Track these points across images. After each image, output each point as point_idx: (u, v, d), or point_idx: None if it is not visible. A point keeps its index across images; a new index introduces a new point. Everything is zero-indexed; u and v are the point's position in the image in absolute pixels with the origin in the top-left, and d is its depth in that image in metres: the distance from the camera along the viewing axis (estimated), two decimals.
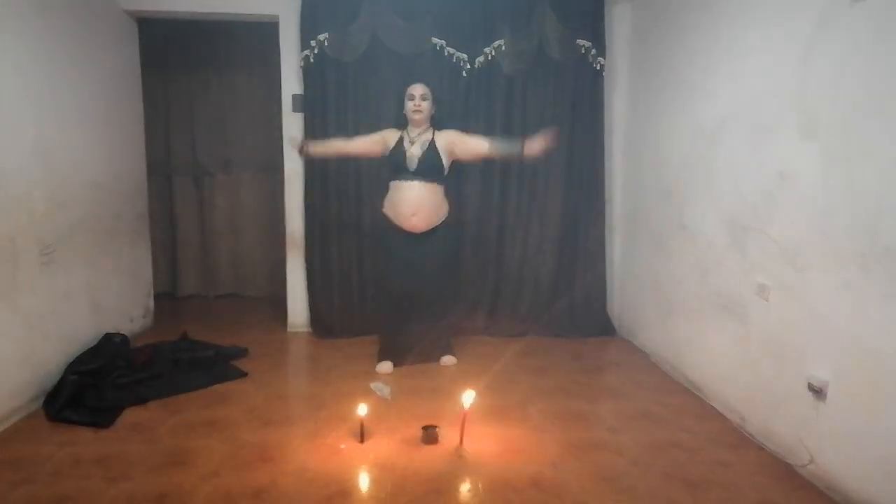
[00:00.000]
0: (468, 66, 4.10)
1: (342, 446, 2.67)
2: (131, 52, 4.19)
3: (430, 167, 3.46)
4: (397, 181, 3.50)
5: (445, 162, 3.51)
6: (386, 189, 3.61)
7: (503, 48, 4.09)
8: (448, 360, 3.75)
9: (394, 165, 3.52)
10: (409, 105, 3.52)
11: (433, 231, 3.54)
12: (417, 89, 3.53)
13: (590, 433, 2.84)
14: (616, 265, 4.52)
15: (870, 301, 2.16)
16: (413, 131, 3.55)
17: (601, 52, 4.16)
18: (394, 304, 3.70)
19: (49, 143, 3.18)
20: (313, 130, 4.14)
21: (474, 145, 3.55)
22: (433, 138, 3.51)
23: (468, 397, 2.76)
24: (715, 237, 3.17)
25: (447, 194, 3.59)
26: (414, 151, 3.47)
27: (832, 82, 2.36)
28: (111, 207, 3.84)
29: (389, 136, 3.57)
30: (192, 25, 4.70)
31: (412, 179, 3.46)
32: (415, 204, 3.45)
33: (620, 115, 4.41)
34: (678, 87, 3.61)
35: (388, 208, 3.57)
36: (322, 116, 4.13)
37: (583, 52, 4.13)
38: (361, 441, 2.69)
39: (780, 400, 2.62)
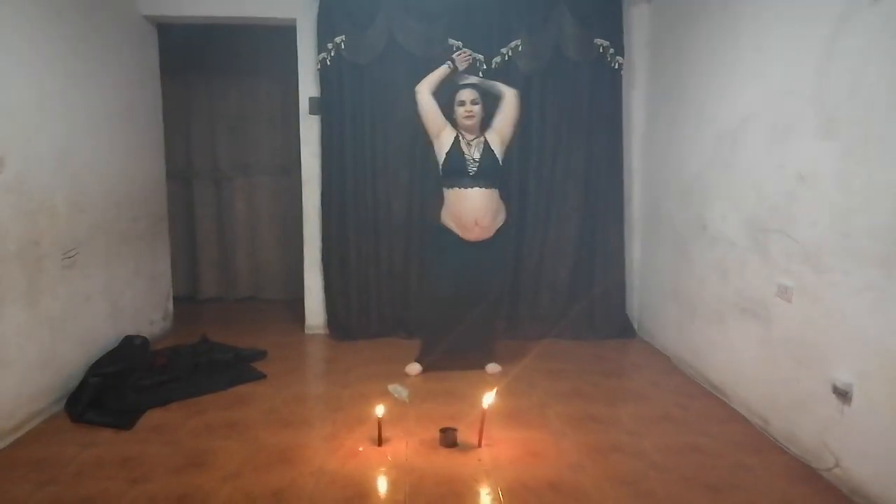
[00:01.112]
0: (485, 67, 4.08)
1: (360, 448, 2.67)
2: (151, 58, 4.23)
3: (490, 171, 3.38)
4: (457, 189, 3.39)
5: (501, 161, 3.47)
6: (431, 196, 3.65)
7: (520, 48, 4.07)
8: (493, 367, 3.65)
9: (453, 171, 3.40)
10: (461, 111, 3.43)
11: (490, 238, 3.46)
12: (467, 94, 3.44)
13: (609, 436, 2.82)
14: (635, 266, 4.48)
15: (892, 302, 2.13)
16: (468, 136, 3.47)
17: (619, 51, 4.12)
18: (438, 308, 3.57)
19: (71, 148, 3.22)
20: (330, 132, 4.16)
21: (503, 114, 3.49)
22: (486, 140, 3.45)
23: (488, 397, 2.75)
24: (736, 238, 3.13)
25: (503, 198, 3.54)
26: (473, 155, 3.39)
27: (852, 82, 2.32)
28: (131, 211, 3.88)
29: (446, 133, 3.47)
30: (211, 30, 4.74)
31: (472, 186, 3.36)
32: (477, 212, 3.36)
33: (639, 115, 4.38)
34: (697, 87, 3.58)
35: (447, 218, 3.46)
36: (339, 118, 4.15)
37: (600, 51, 4.10)
38: (379, 444, 2.69)
39: (803, 403, 2.59)
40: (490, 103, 3.55)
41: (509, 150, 3.65)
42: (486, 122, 3.54)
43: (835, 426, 2.39)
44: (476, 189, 3.37)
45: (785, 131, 2.73)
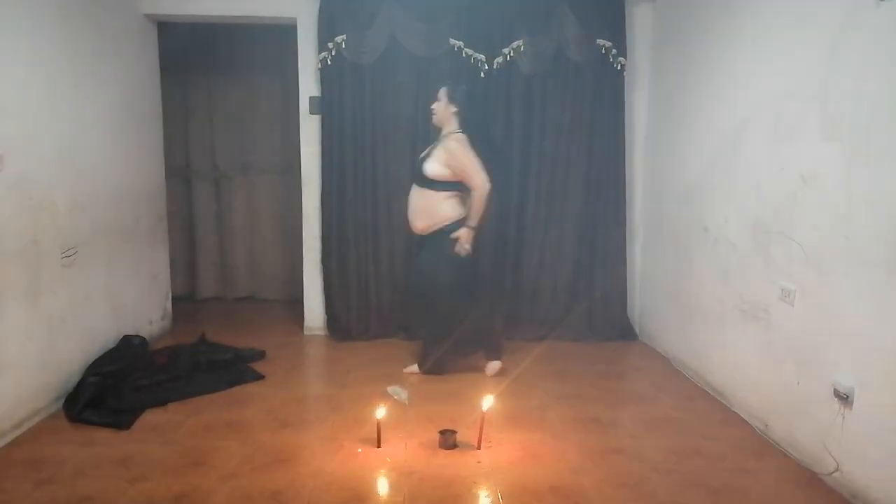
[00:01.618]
0: (486, 68, 4.08)
1: (359, 450, 2.66)
2: (151, 56, 4.22)
3: (417, 172, 3.44)
4: None
5: (434, 170, 3.31)
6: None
7: (522, 49, 4.06)
8: (492, 368, 3.60)
9: None
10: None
11: (431, 235, 3.42)
12: (439, 93, 3.48)
13: (610, 439, 2.81)
14: (636, 268, 4.47)
15: (894, 306, 2.12)
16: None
17: (622, 52, 4.11)
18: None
19: (71, 147, 3.21)
20: (330, 132, 4.16)
21: (472, 174, 3.28)
22: (440, 143, 3.42)
23: (486, 402, 2.74)
24: (737, 240, 3.12)
25: (449, 200, 3.36)
26: (421, 154, 3.48)
27: (855, 83, 2.32)
28: (131, 210, 3.87)
29: None
30: (211, 29, 4.73)
31: (412, 183, 3.48)
32: (410, 207, 3.48)
33: (641, 117, 4.37)
34: (699, 89, 3.57)
35: None
36: (339, 118, 4.14)
37: (603, 52, 4.09)
38: (378, 445, 2.68)
39: (804, 406, 2.58)
40: (465, 104, 3.47)
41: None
42: (462, 120, 3.44)
43: (836, 430, 2.38)
44: (413, 186, 3.47)
45: (787, 133, 2.72)
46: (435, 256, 3.44)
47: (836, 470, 2.37)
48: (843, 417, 2.35)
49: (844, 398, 2.33)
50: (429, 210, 3.40)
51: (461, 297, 3.50)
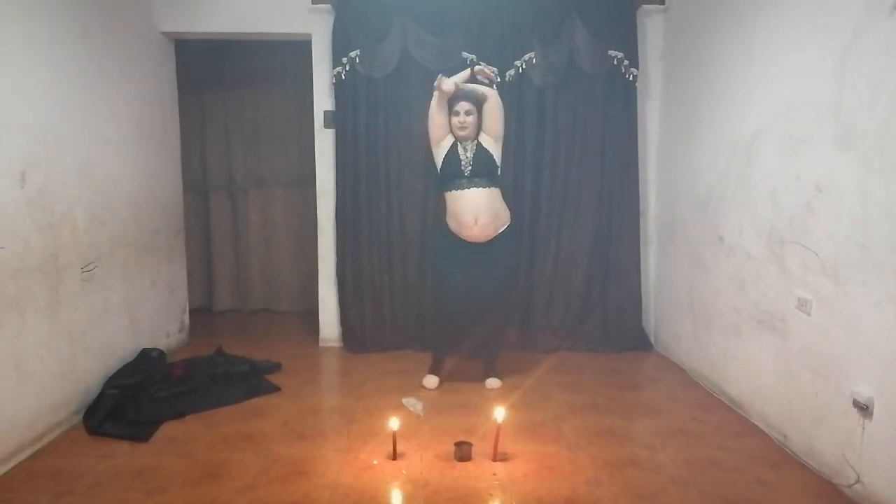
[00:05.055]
0: (499, 80, 4.09)
1: (374, 462, 2.67)
2: (168, 73, 4.29)
3: (484, 169, 3.39)
4: (454, 191, 3.41)
5: (497, 159, 3.45)
6: (432, 201, 3.59)
7: (534, 61, 4.08)
8: (493, 382, 3.62)
9: (451, 173, 3.42)
10: (455, 121, 3.43)
11: (492, 242, 3.43)
12: (463, 105, 3.42)
13: (625, 451, 2.80)
14: (651, 278, 4.46)
15: None
16: (464, 142, 3.47)
17: (634, 62, 4.12)
18: (445, 312, 3.54)
19: (90, 162, 3.27)
20: (344, 145, 4.20)
21: (489, 116, 3.42)
22: (479, 142, 3.45)
23: (500, 413, 2.74)
24: (752, 250, 3.10)
25: (506, 200, 3.50)
26: (468, 156, 3.41)
27: (869, 92, 2.31)
28: (149, 224, 3.92)
29: (447, 140, 3.47)
30: (227, 45, 4.80)
31: (469, 186, 3.38)
32: (476, 211, 3.36)
33: (654, 126, 4.37)
34: (712, 98, 3.57)
35: (450, 220, 3.46)
36: (353, 132, 4.18)
37: (615, 63, 4.10)
38: (394, 457, 2.68)
39: (823, 417, 2.55)
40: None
41: (507, 144, 3.67)
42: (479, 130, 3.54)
43: (855, 441, 2.36)
44: (473, 189, 3.38)
45: (801, 142, 2.71)
46: (503, 258, 3.51)
47: (857, 482, 2.34)
48: (863, 428, 2.32)
49: (864, 408, 2.30)
50: (498, 210, 3.44)
51: (510, 306, 3.79)
